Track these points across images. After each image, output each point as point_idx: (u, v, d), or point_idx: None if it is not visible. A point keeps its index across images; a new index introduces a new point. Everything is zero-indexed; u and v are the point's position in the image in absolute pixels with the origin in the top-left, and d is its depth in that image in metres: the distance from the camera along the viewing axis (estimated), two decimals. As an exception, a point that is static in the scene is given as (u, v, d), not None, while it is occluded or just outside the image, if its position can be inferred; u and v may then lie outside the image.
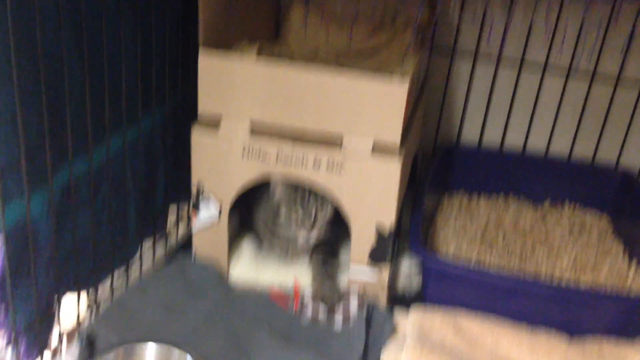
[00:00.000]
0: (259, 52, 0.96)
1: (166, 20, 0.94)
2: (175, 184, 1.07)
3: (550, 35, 1.19)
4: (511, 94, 1.26)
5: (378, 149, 0.89)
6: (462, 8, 1.20)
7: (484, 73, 1.25)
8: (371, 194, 0.90)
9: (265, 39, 1.14)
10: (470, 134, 1.31)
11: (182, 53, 0.99)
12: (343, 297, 0.94)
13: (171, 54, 0.96)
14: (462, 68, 1.26)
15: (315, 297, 0.95)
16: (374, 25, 1.16)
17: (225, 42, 0.96)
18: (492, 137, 1.30)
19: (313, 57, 1.13)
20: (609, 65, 1.19)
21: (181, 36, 0.98)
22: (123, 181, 0.93)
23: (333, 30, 1.16)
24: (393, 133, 0.89)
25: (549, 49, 1.20)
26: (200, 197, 0.96)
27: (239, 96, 0.91)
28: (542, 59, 1.22)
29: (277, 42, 1.17)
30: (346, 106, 0.89)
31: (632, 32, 1.12)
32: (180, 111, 1.02)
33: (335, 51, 1.15)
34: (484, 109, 1.28)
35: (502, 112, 1.28)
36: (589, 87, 1.21)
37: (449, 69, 1.26)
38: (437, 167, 1.20)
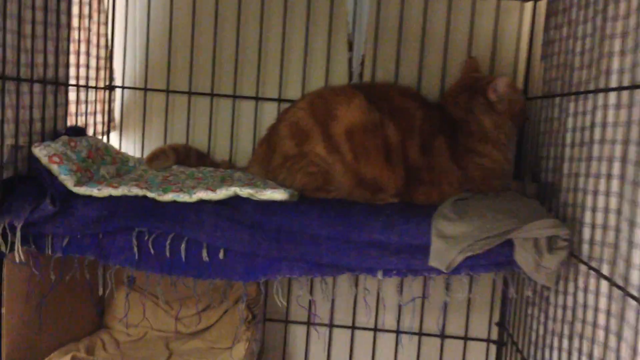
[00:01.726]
0: (70, 364, 0.92)
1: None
2: None
3: (375, 304, 1.27)
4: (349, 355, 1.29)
5: None
6: (289, 288, 1.26)
7: (318, 336, 1.29)
8: None
9: (88, 333, 1.11)
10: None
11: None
12: None
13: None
14: (297, 332, 1.29)
15: None
16: (203, 307, 1.18)
17: (37, 350, 0.91)
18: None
19: (141, 345, 1.10)
20: (432, 323, 1.27)
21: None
22: None
23: (159, 316, 1.16)
24: None
25: (376, 314, 1.27)
26: None
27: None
28: (372, 321, 1.28)
29: (101, 333, 1.13)
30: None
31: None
32: None
33: (164, 336, 1.14)
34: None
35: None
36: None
37: (285, 336, 1.29)
38: None
